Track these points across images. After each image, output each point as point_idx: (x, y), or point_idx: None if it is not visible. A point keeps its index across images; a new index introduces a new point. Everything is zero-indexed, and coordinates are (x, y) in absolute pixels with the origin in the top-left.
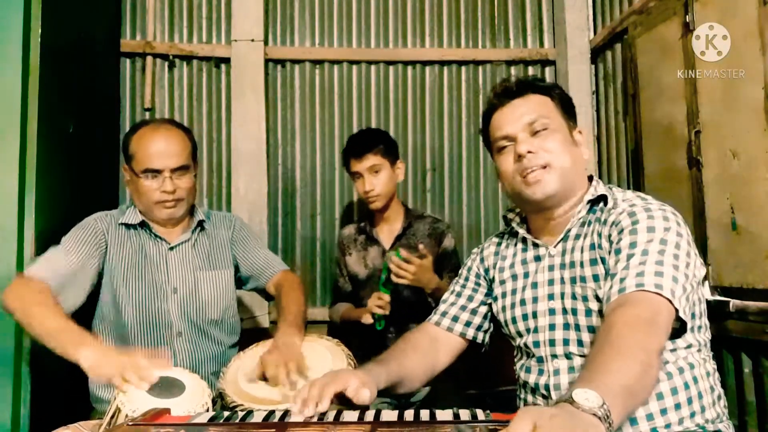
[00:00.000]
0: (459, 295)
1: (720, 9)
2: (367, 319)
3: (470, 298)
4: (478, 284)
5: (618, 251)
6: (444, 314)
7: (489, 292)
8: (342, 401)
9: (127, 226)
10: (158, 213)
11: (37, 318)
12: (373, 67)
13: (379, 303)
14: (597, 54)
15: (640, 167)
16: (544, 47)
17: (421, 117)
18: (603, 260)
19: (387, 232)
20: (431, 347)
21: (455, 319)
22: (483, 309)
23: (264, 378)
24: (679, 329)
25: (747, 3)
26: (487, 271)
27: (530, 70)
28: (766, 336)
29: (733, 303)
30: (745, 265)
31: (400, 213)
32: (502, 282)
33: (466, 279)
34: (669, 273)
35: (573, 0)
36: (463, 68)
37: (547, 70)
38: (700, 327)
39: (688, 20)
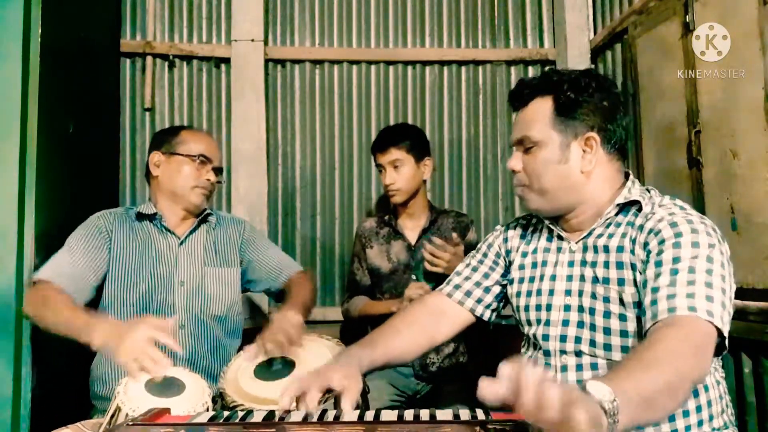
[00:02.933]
0: (475, 269)
1: (720, 9)
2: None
3: (486, 276)
4: (496, 263)
5: (659, 263)
6: (457, 287)
7: (505, 274)
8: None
9: (140, 217)
10: (193, 198)
11: (49, 315)
12: (373, 67)
13: (419, 292)
14: (597, 54)
15: (640, 167)
16: (544, 47)
17: (421, 117)
18: (633, 266)
19: (411, 226)
20: (432, 320)
21: (468, 293)
22: (496, 289)
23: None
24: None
25: (747, 3)
26: (508, 252)
27: (530, 70)
28: (766, 336)
29: (734, 303)
30: (745, 265)
31: (424, 208)
32: (522, 267)
33: (485, 255)
34: (719, 298)
35: (573, 0)
36: (463, 68)
37: (547, 70)
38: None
39: (688, 20)
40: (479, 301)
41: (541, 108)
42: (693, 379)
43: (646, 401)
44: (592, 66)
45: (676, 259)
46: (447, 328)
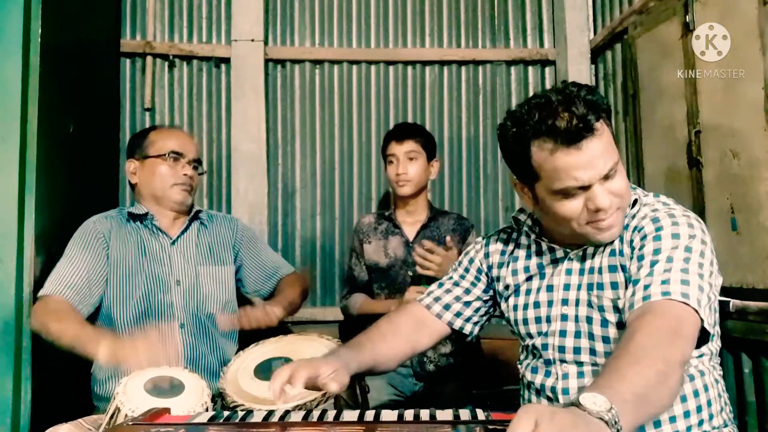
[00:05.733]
0: (456, 284)
1: (720, 9)
2: None
3: (467, 291)
4: (477, 278)
5: (641, 257)
6: (437, 299)
7: (487, 289)
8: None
9: (133, 217)
10: (174, 195)
11: (57, 333)
12: (373, 67)
13: (418, 297)
14: (597, 54)
15: (640, 167)
16: (544, 47)
17: (421, 117)
18: (624, 267)
19: (411, 223)
20: (414, 329)
21: (447, 307)
22: (477, 303)
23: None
24: (699, 339)
25: (747, 3)
26: (490, 268)
27: (530, 70)
28: (766, 336)
29: (733, 303)
30: (745, 265)
31: (425, 208)
32: (516, 283)
33: (466, 270)
34: (695, 282)
35: (573, 0)
36: (463, 68)
37: (547, 70)
38: (712, 336)
39: (688, 20)
40: (458, 314)
41: (607, 131)
42: (679, 361)
43: (642, 397)
44: (593, 66)
45: (656, 251)
46: (427, 339)
